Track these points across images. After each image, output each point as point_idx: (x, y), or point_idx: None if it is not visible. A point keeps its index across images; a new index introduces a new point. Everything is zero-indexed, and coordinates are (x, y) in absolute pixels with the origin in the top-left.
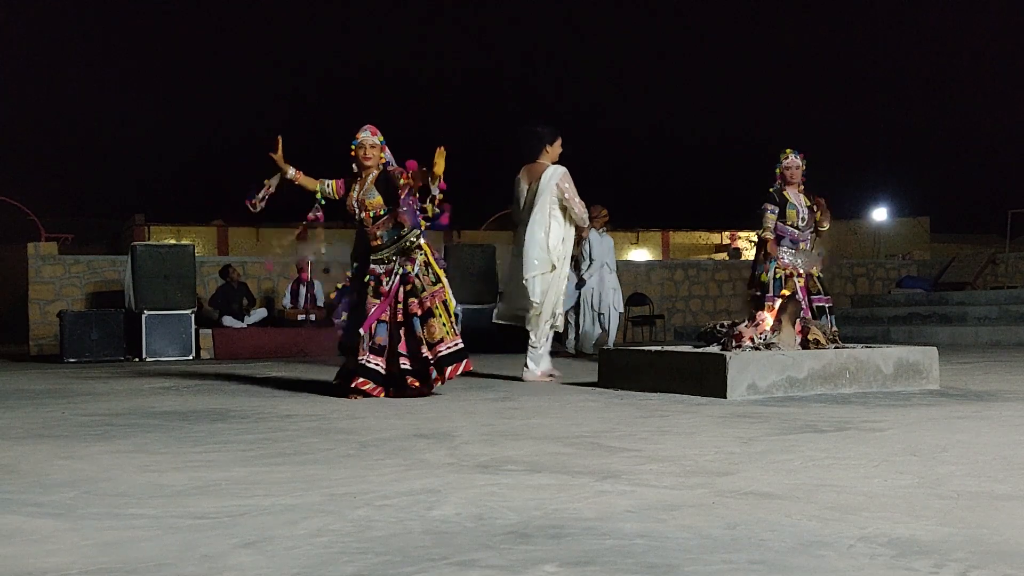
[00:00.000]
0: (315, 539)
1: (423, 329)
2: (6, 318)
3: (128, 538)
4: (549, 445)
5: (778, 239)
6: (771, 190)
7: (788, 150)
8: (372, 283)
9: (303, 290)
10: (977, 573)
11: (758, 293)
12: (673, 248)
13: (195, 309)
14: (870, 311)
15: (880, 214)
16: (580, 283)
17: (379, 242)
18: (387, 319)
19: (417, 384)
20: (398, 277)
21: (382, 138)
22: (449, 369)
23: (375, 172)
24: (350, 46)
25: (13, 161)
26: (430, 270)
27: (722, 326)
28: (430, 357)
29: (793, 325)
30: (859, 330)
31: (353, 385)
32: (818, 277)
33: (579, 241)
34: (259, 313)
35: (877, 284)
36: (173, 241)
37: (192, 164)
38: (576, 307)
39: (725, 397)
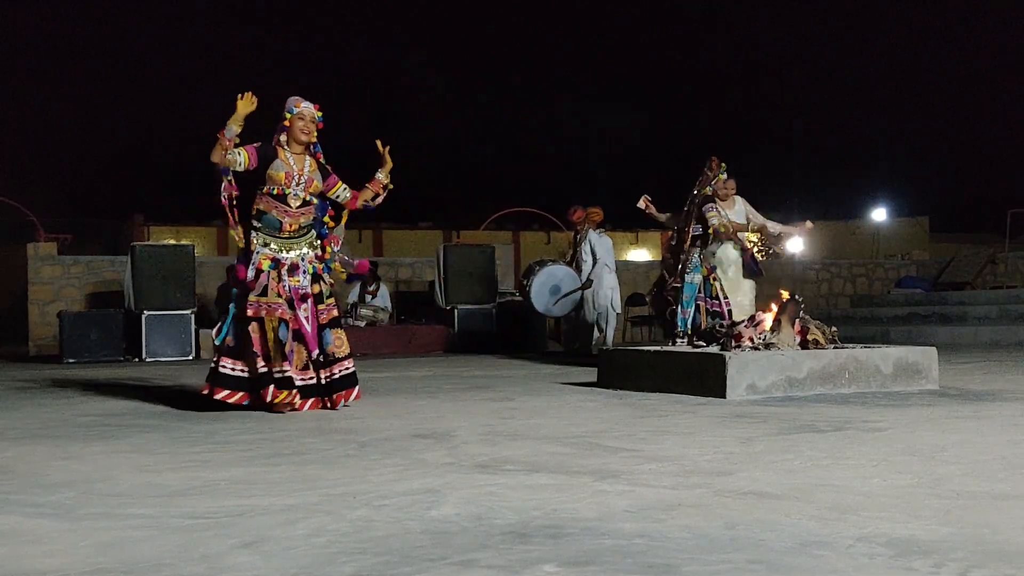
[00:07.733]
0: (313, 539)
1: (332, 340)
2: (6, 318)
3: (126, 538)
4: (548, 445)
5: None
6: (707, 192)
7: (723, 164)
8: (274, 272)
9: None
10: (977, 573)
11: (670, 298)
12: None
13: (195, 309)
14: (870, 311)
15: (880, 214)
16: (587, 283)
17: (294, 228)
18: (292, 321)
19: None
20: (308, 277)
21: (321, 114)
22: (355, 391)
23: (310, 157)
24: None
25: (13, 161)
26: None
27: (722, 326)
28: (334, 374)
29: (793, 325)
30: (859, 330)
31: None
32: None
33: (577, 242)
34: None
35: (877, 284)
36: (173, 241)
37: (192, 164)
38: (577, 307)
39: (724, 397)
